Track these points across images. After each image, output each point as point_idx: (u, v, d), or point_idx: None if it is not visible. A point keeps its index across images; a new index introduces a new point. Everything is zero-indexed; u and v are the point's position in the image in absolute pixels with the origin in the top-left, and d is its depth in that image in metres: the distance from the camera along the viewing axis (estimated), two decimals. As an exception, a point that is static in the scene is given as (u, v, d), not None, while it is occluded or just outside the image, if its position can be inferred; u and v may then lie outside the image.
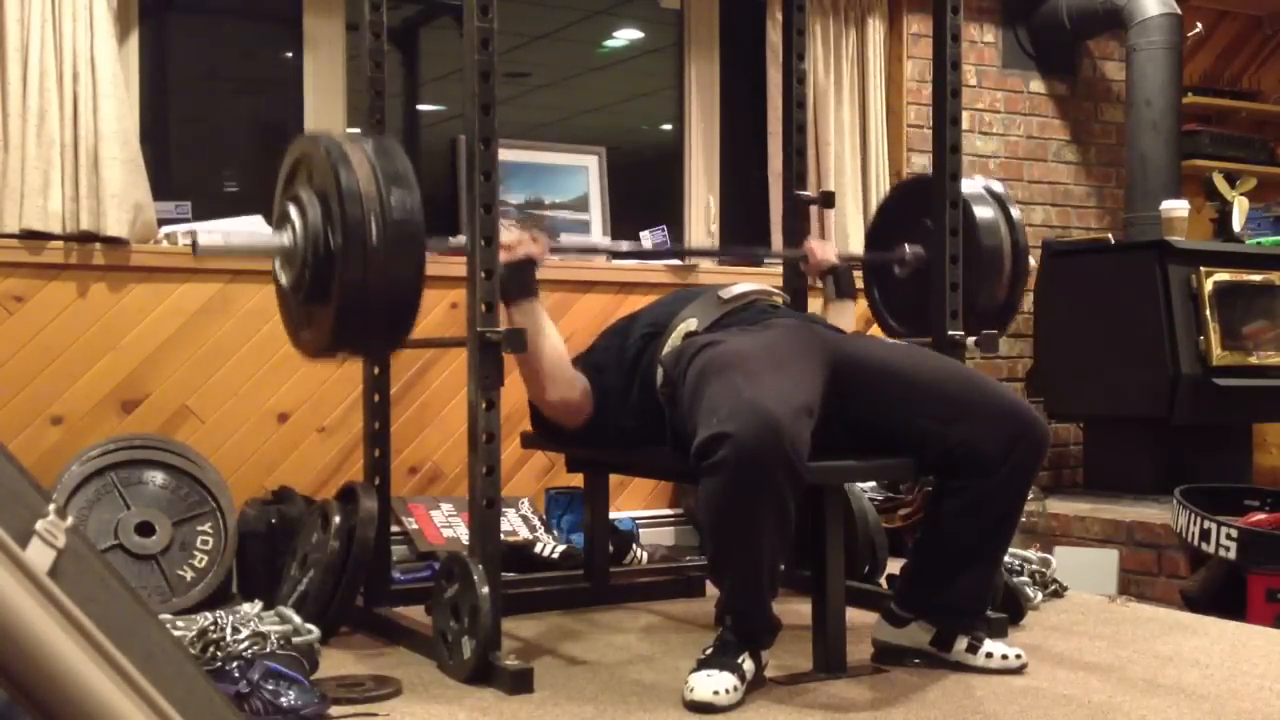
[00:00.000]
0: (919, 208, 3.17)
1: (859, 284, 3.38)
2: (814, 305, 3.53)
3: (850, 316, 3.24)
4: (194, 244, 2.43)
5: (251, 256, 2.86)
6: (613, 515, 3.54)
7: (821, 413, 2.39)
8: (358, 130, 2.90)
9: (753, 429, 2.21)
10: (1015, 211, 3.22)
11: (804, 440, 2.27)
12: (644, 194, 4.64)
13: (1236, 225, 4.98)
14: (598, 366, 2.83)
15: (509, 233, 2.67)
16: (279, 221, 2.50)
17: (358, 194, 2.34)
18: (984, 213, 3.16)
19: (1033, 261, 3.30)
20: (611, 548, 3.44)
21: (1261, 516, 3.98)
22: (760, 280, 3.09)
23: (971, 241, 3.09)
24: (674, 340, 2.69)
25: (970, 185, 3.21)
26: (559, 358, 2.74)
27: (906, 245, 3.19)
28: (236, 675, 2.17)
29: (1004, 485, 2.50)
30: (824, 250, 3.29)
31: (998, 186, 3.27)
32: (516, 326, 2.63)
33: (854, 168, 4.62)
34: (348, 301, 2.36)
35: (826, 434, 2.41)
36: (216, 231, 3.61)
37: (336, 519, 2.85)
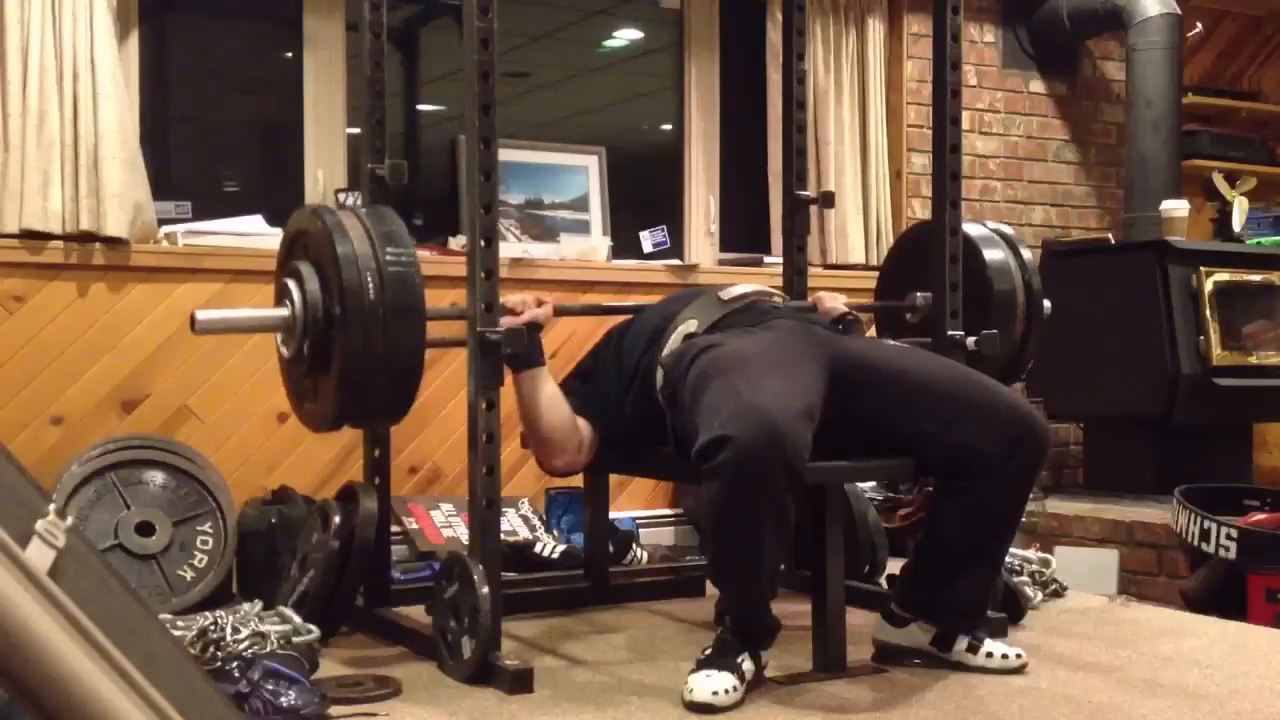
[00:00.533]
0: (927, 255, 3.14)
1: (870, 332, 3.36)
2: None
3: None
4: (193, 320, 2.44)
5: (254, 331, 2.86)
6: (613, 515, 3.54)
7: (822, 414, 2.39)
8: (354, 194, 2.92)
9: (753, 433, 2.21)
10: (1027, 254, 3.19)
11: (805, 444, 2.27)
12: (644, 194, 4.64)
13: (1236, 225, 4.98)
14: (597, 372, 2.83)
15: (513, 296, 2.68)
16: (279, 296, 2.52)
17: (353, 256, 2.36)
18: (994, 255, 3.13)
19: (1048, 304, 3.23)
20: (611, 548, 3.44)
21: (1261, 516, 3.98)
22: (760, 281, 3.09)
23: (983, 285, 3.07)
24: (674, 342, 2.69)
25: (979, 229, 3.20)
26: (566, 427, 2.72)
27: (918, 294, 3.17)
28: (236, 675, 2.17)
29: (1006, 487, 2.50)
30: (833, 300, 3.27)
31: (1008, 230, 3.24)
32: (522, 395, 2.64)
33: (854, 168, 4.62)
34: (350, 368, 2.37)
35: (827, 435, 2.41)
36: (214, 228, 3.62)
37: (336, 519, 2.85)
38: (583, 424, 2.75)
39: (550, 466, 2.81)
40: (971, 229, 3.15)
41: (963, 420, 2.49)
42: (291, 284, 2.45)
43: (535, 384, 2.67)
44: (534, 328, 2.66)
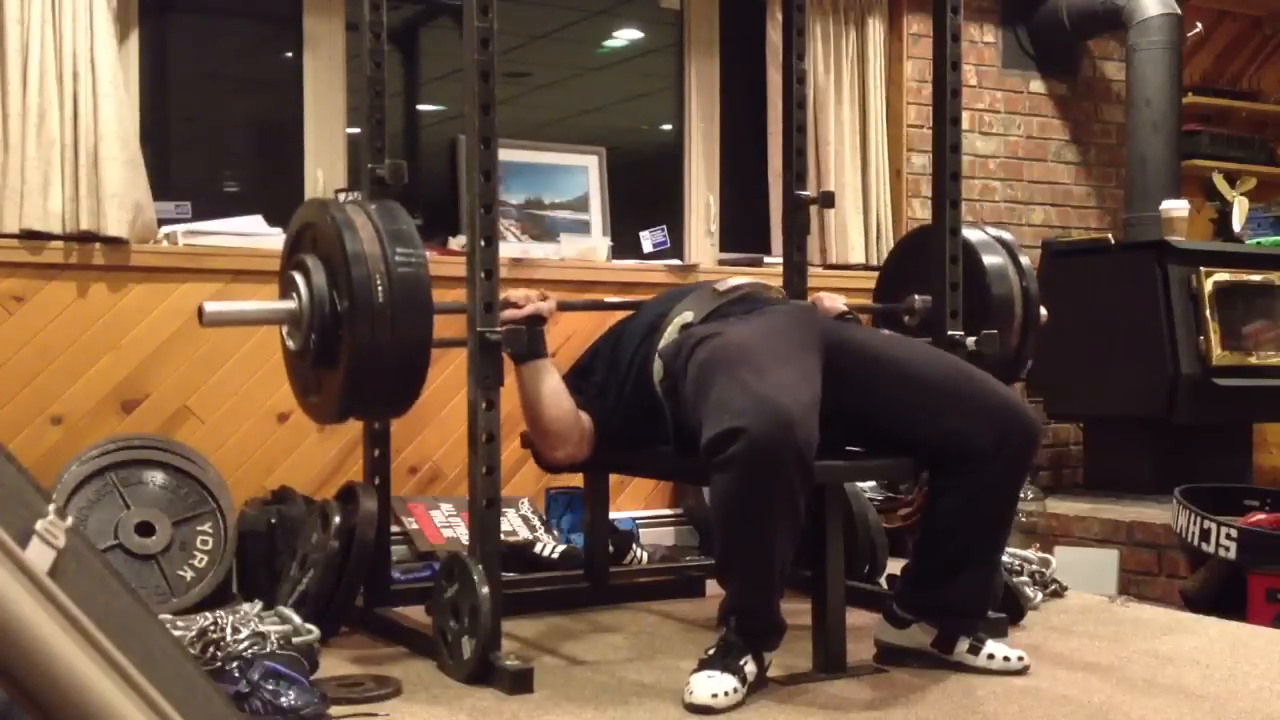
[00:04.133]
0: (926, 258, 3.16)
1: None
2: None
3: None
4: (200, 311, 2.44)
5: (261, 325, 2.86)
6: (613, 515, 3.54)
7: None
8: (354, 194, 2.91)
9: (766, 424, 2.21)
10: (1025, 260, 3.21)
11: (814, 434, 2.28)
12: (644, 194, 4.64)
13: (1236, 225, 4.98)
14: (595, 368, 2.83)
15: (515, 291, 2.68)
16: (285, 288, 2.52)
17: (363, 255, 2.36)
18: (992, 260, 3.15)
19: (1044, 311, 3.25)
20: (611, 548, 3.44)
21: (1261, 516, 3.98)
22: (760, 279, 3.08)
23: (980, 289, 3.08)
24: (670, 333, 2.69)
25: (979, 235, 3.21)
26: (569, 420, 2.72)
27: (916, 296, 3.18)
28: (236, 675, 2.17)
29: (996, 480, 2.50)
30: (831, 300, 3.27)
31: (1007, 235, 3.25)
32: (525, 387, 2.65)
33: (854, 168, 4.62)
34: (356, 364, 2.37)
35: (821, 423, 2.41)
36: (214, 228, 3.61)
37: (336, 519, 2.85)
38: (584, 416, 2.75)
39: (552, 458, 2.80)
40: (970, 234, 3.16)
41: (951, 410, 2.50)
42: (299, 278, 2.46)
43: (539, 376, 2.67)
44: (537, 320, 2.67)
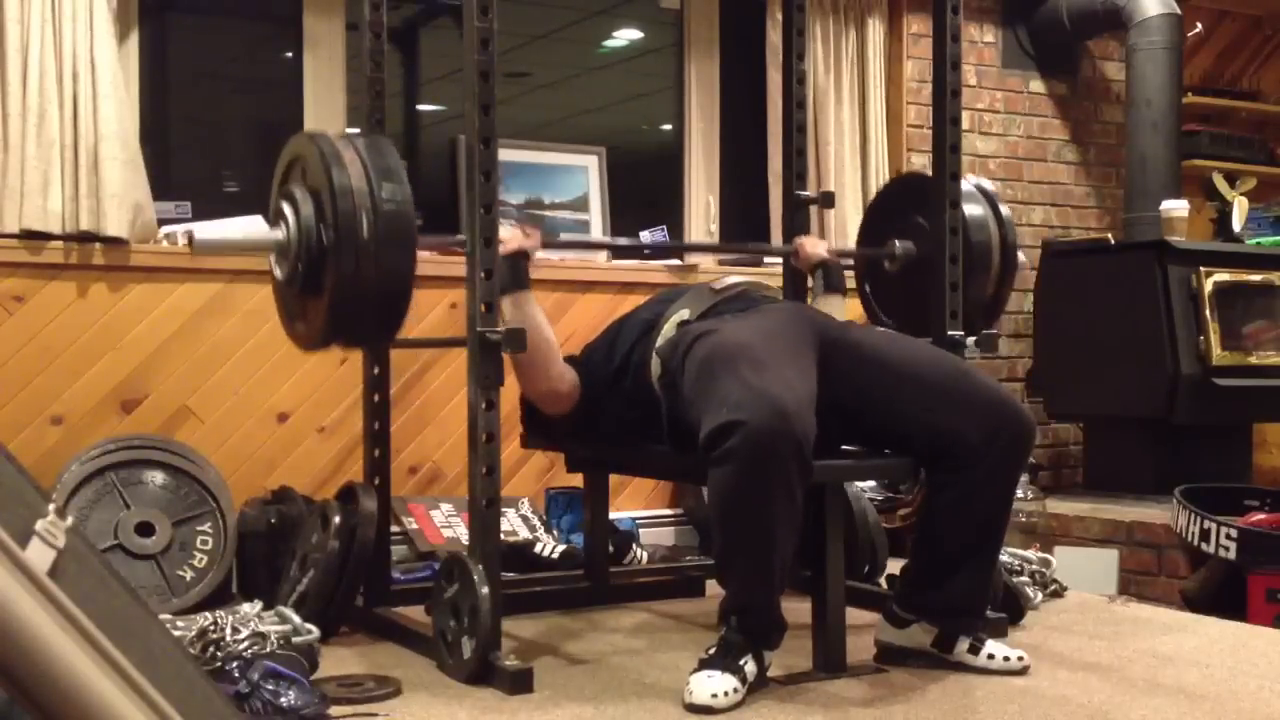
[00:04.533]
0: (911, 204, 3.22)
1: (852, 285, 3.40)
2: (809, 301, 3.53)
3: (839, 310, 3.26)
4: (190, 238, 2.47)
5: (249, 253, 2.89)
6: (613, 515, 3.54)
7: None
8: (355, 130, 2.94)
9: (765, 417, 2.21)
10: (1005, 210, 3.25)
11: (812, 428, 2.29)
12: (644, 194, 4.64)
13: (1236, 225, 4.98)
14: (593, 362, 2.84)
15: (503, 228, 2.70)
16: (274, 218, 2.55)
17: (349, 190, 2.40)
18: (973, 210, 3.18)
19: (1023, 257, 3.32)
20: (611, 548, 3.44)
21: (1261, 516, 3.98)
22: (758, 279, 3.09)
23: (961, 238, 3.11)
24: (667, 331, 2.70)
25: (961, 184, 3.22)
26: (549, 350, 2.77)
27: (896, 241, 3.23)
28: (236, 675, 2.17)
29: (990, 477, 2.51)
30: (814, 245, 3.33)
31: (988, 185, 3.29)
32: (508, 318, 2.66)
33: (854, 168, 4.62)
34: (340, 294, 2.41)
35: (817, 419, 2.41)
36: (214, 227, 3.61)
37: (336, 519, 2.85)
38: (569, 370, 2.81)
39: (534, 389, 2.82)
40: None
41: (944, 406, 2.51)
42: (287, 208, 2.49)
43: (522, 306, 2.71)
44: (521, 255, 2.75)
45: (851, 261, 3.50)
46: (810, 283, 3.39)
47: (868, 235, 3.46)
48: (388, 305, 2.48)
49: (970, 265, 3.10)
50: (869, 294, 3.44)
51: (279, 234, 2.49)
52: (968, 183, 3.25)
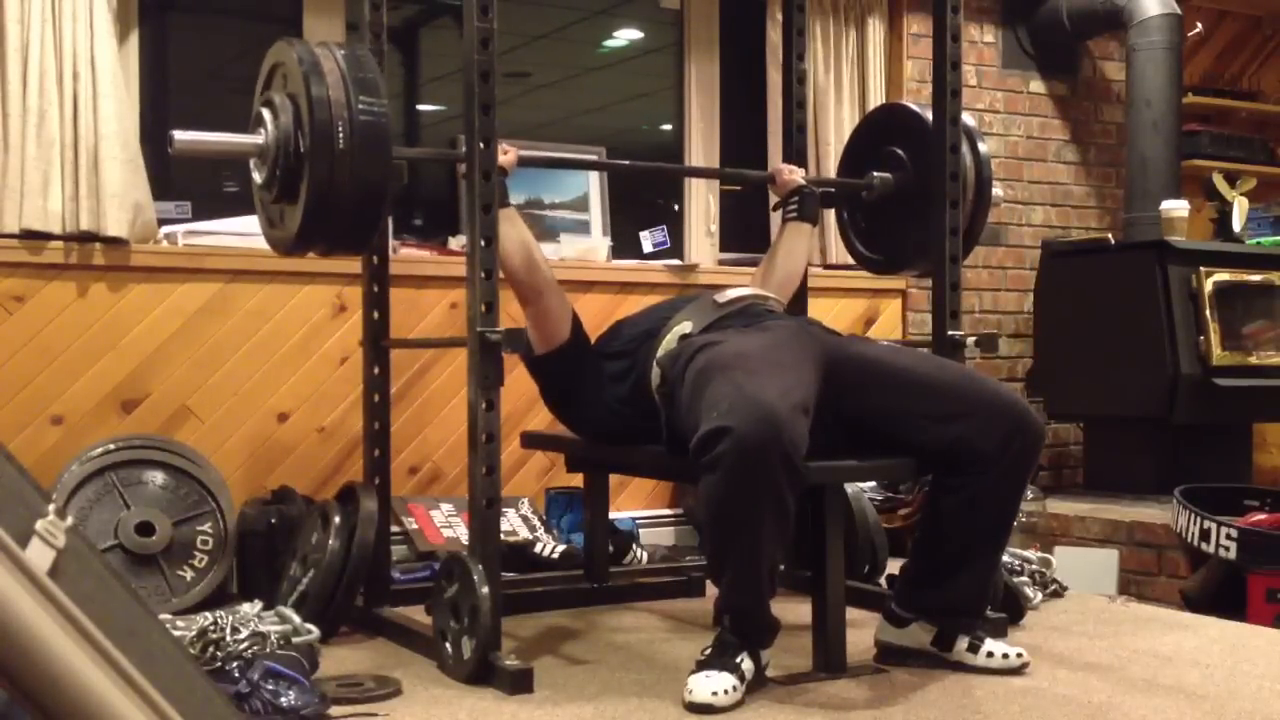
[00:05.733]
0: (889, 136, 3.30)
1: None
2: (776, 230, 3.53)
3: (806, 238, 3.32)
4: (171, 139, 2.53)
5: (229, 155, 2.92)
6: (613, 515, 3.55)
7: (818, 413, 2.40)
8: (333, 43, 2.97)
9: (752, 424, 2.21)
10: (983, 147, 3.27)
11: (802, 436, 2.28)
12: (644, 194, 4.64)
13: (1236, 225, 4.98)
14: (588, 345, 2.86)
15: None
16: (254, 123, 2.60)
17: (326, 100, 2.44)
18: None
19: (998, 190, 3.38)
20: (611, 548, 3.44)
21: (1261, 516, 3.98)
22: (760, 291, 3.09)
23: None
24: (669, 343, 2.70)
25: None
26: (536, 257, 2.81)
27: (875, 173, 3.28)
28: (236, 675, 2.17)
29: (1000, 482, 2.51)
30: (791, 172, 3.35)
31: (969, 121, 3.28)
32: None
33: (854, 168, 4.62)
34: (314, 201, 2.46)
35: (824, 434, 2.42)
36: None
37: (336, 519, 2.85)
38: (564, 297, 2.85)
39: (525, 296, 2.84)
40: (931, 116, 3.18)
41: (956, 416, 2.50)
42: (267, 114, 2.53)
43: (505, 221, 2.70)
44: (500, 173, 2.73)
45: (830, 191, 3.53)
46: (784, 210, 3.37)
47: (848, 165, 3.51)
48: (361, 214, 2.52)
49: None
50: (845, 221, 3.51)
51: (259, 139, 2.54)
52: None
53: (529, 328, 2.85)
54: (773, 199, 3.51)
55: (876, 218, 3.37)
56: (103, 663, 1.14)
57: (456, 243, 3.90)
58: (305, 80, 2.44)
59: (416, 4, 4.33)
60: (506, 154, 2.84)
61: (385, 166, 2.50)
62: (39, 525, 1.16)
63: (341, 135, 2.43)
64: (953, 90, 3.05)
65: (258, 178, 2.60)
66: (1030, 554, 3.39)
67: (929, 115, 3.17)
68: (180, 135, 2.55)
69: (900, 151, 3.25)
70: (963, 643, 2.56)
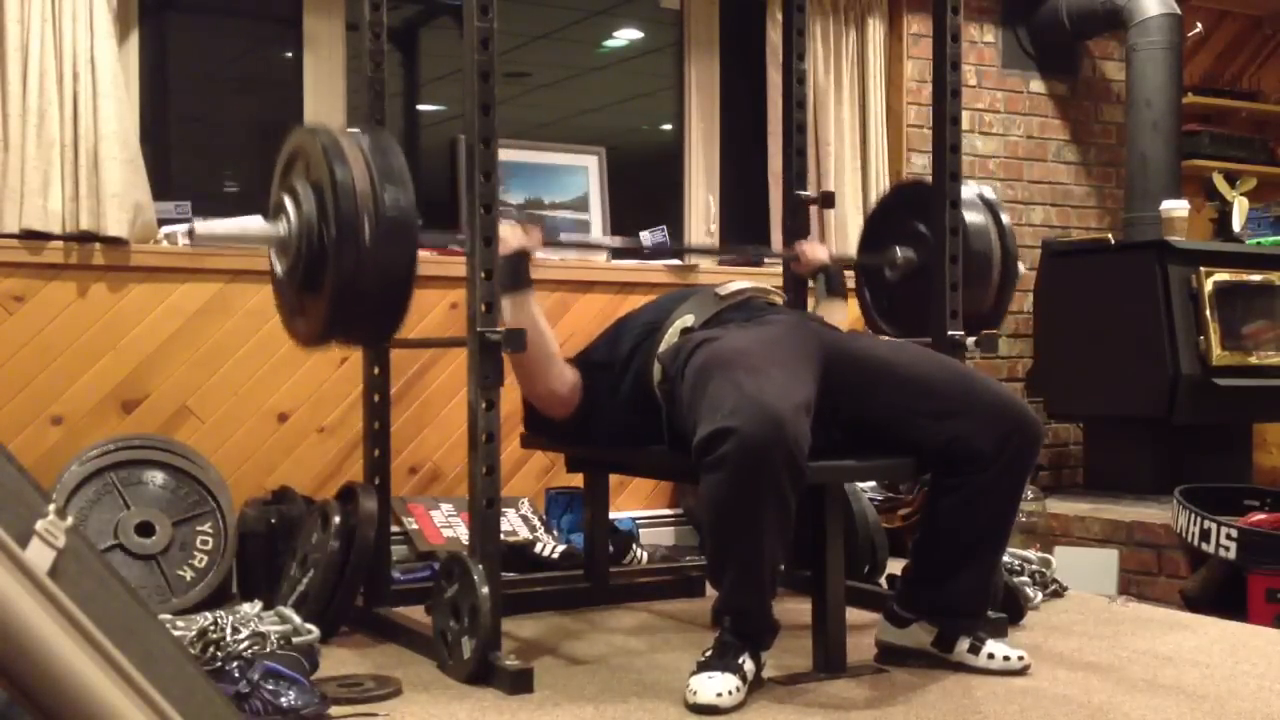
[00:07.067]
0: (913, 212, 3.20)
1: (852, 287, 3.40)
2: (811, 306, 3.53)
3: (841, 314, 3.26)
4: (190, 231, 2.48)
5: (249, 246, 2.89)
6: (613, 515, 3.54)
7: (816, 409, 2.39)
8: (355, 130, 2.94)
9: (757, 424, 2.21)
10: (1005, 218, 3.23)
11: (805, 436, 2.28)
12: (644, 194, 4.64)
13: (1236, 225, 4.98)
14: (593, 364, 2.84)
15: (503, 226, 2.69)
16: (274, 211, 2.55)
17: (351, 190, 2.39)
18: (974, 218, 3.16)
19: (1023, 268, 3.34)
20: (611, 548, 3.44)
21: (1261, 516, 3.98)
22: (760, 280, 3.09)
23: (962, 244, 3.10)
24: (670, 337, 2.70)
25: (963, 191, 3.21)
26: (550, 351, 2.75)
27: (898, 248, 3.21)
28: (236, 675, 2.17)
29: (998, 481, 2.51)
30: (815, 250, 3.32)
31: (990, 193, 3.28)
32: (509, 318, 2.66)
33: (854, 168, 4.62)
34: (340, 294, 2.41)
35: (822, 431, 2.41)
36: (215, 223, 3.60)
37: (336, 519, 2.85)
38: (569, 369, 2.78)
39: (534, 391, 2.81)
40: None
41: (954, 415, 2.50)
42: (289, 203, 2.48)
43: (522, 307, 2.69)
44: (523, 255, 2.72)
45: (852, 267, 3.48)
46: (811, 285, 3.38)
47: (868, 243, 3.45)
48: (387, 306, 2.48)
49: (970, 275, 3.07)
50: (869, 300, 3.42)
51: (280, 229, 2.49)
52: (969, 190, 3.24)
53: (531, 403, 2.84)
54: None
55: (900, 295, 3.27)
56: (103, 663, 1.14)
57: (456, 242, 3.90)
58: (330, 169, 2.39)
59: (416, 4, 4.33)
60: (530, 235, 2.76)
61: (412, 259, 2.44)
62: (39, 525, 1.16)
63: (368, 227, 2.37)
64: (953, 90, 3.05)
65: (279, 268, 2.53)
66: (1030, 554, 3.39)
67: None
68: (200, 226, 2.51)
69: (923, 228, 3.14)
70: (964, 644, 2.56)
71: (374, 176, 2.41)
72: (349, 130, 2.54)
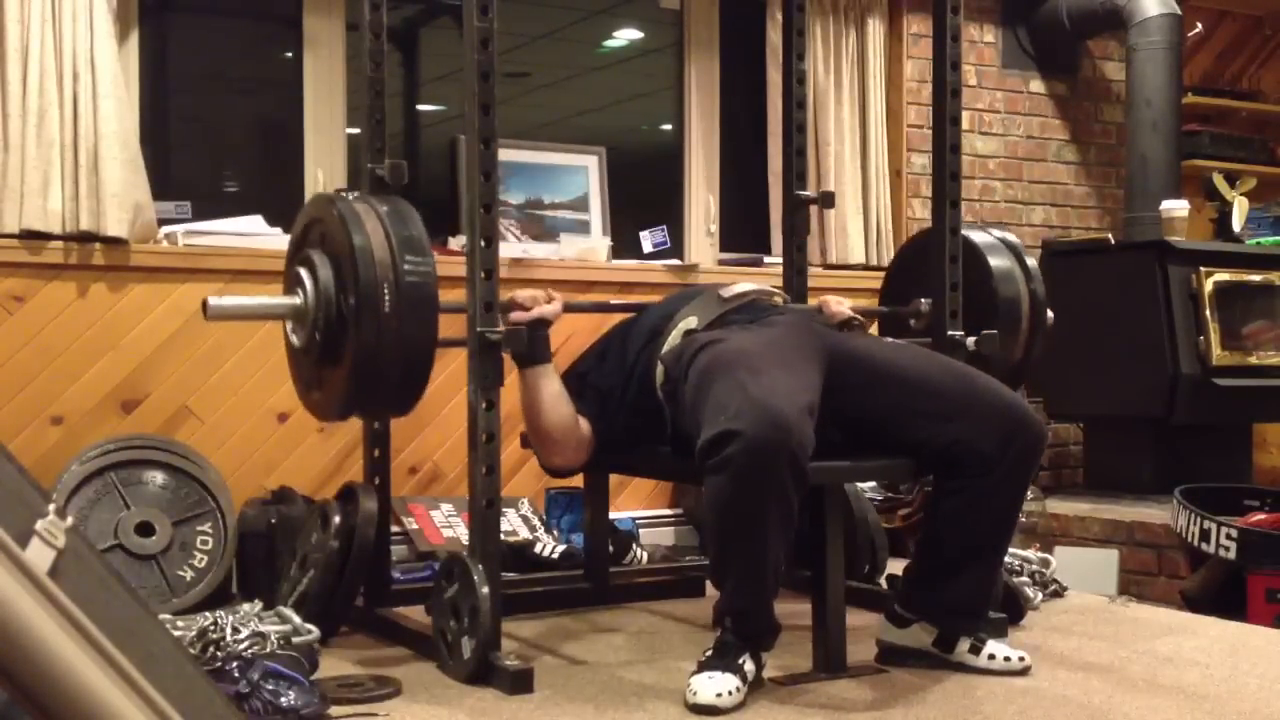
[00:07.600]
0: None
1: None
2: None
3: None
4: (205, 305, 2.45)
5: (265, 318, 2.85)
6: (613, 515, 3.54)
7: (820, 411, 2.40)
8: (355, 192, 2.92)
9: (762, 427, 2.21)
10: (1031, 261, 3.19)
11: (810, 439, 2.28)
12: (644, 194, 4.64)
13: (1236, 225, 4.98)
14: (597, 370, 2.83)
15: (524, 291, 2.67)
16: (291, 283, 2.52)
17: (371, 260, 2.36)
18: (999, 263, 3.13)
19: (1051, 315, 3.25)
20: (611, 548, 3.44)
21: (1261, 516, 3.98)
22: (760, 281, 3.09)
23: (987, 292, 3.08)
24: (673, 339, 2.70)
25: (985, 237, 3.20)
26: (569, 425, 2.71)
27: (921, 299, 3.17)
28: (236, 675, 2.17)
29: (1001, 484, 2.50)
30: (838, 304, 3.27)
31: (1012, 238, 3.24)
32: (527, 391, 2.64)
33: (854, 168, 4.62)
34: (361, 364, 2.38)
35: (824, 432, 2.42)
36: (215, 223, 3.61)
37: (336, 519, 2.85)
38: (583, 423, 2.75)
39: (549, 463, 2.81)
40: (976, 236, 3.17)
41: (956, 416, 2.50)
42: (304, 274, 2.46)
43: (540, 381, 2.66)
44: (542, 324, 2.66)
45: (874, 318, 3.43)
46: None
47: (889, 294, 3.43)
48: (410, 376, 2.44)
49: (998, 321, 3.03)
50: None
51: (296, 300, 2.46)
52: (991, 235, 3.21)
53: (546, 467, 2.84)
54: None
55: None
56: (103, 663, 1.14)
57: (456, 243, 3.90)
58: (348, 238, 2.36)
59: (416, 4, 4.33)
60: (551, 302, 2.70)
61: (433, 326, 2.42)
62: (39, 525, 1.16)
63: (388, 296, 2.35)
64: (953, 90, 3.05)
65: (295, 340, 2.50)
66: (1030, 554, 3.39)
67: (973, 237, 3.12)
68: (214, 301, 2.46)
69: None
70: (964, 644, 2.56)
71: (393, 245, 2.39)
72: (366, 198, 2.51)
